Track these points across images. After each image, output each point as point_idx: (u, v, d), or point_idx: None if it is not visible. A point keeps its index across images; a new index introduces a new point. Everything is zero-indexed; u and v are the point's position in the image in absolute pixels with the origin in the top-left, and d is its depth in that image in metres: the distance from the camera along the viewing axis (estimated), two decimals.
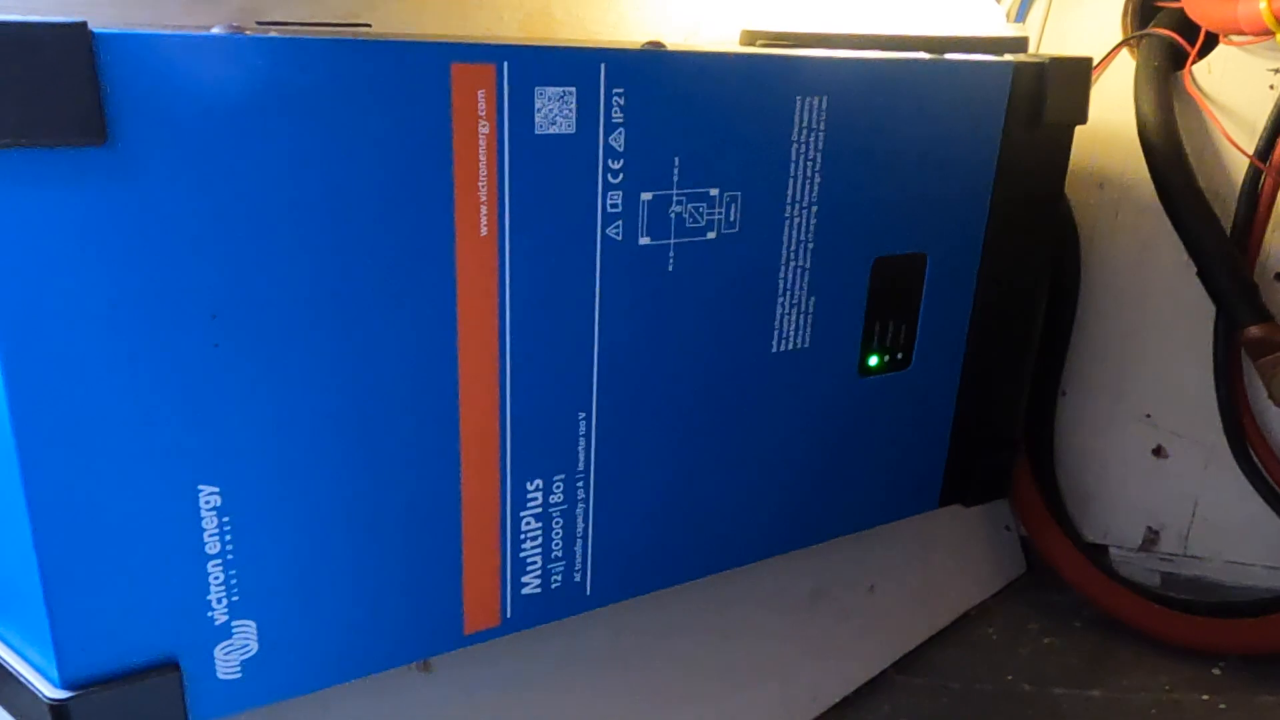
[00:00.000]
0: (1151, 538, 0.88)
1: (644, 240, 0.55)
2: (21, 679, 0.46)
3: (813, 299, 0.63)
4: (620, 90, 0.52)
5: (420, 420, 0.51)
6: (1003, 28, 0.85)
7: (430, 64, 0.47)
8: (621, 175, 0.54)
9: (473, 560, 0.55)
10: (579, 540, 0.59)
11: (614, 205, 0.54)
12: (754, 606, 0.75)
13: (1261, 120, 0.75)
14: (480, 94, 0.48)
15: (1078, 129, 0.73)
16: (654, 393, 0.59)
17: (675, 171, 0.55)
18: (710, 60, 0.56)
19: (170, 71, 0.41)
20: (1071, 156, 0.73)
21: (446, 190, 0.49)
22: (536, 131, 0.50)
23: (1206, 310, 0.79)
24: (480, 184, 0.49)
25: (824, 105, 0.59)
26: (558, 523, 0.58)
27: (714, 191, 0.57)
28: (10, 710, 0.48)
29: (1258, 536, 0.83)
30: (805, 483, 0.68)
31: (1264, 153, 0.75)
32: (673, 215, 0.56)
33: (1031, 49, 0.82)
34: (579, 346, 0.55)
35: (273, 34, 0.44)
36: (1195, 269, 0.77)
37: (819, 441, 0.67)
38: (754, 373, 0.62)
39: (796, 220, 0.61)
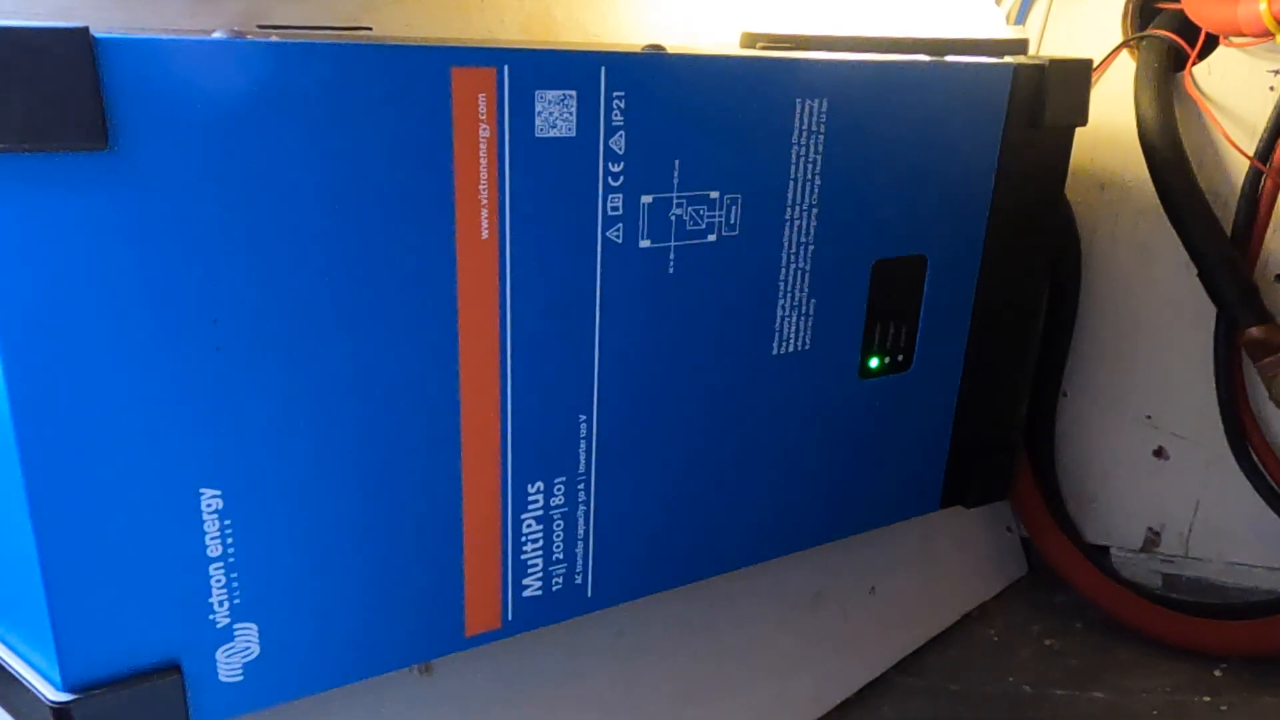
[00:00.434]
0: (1153, 539, 0.88)
1: (644, 243, 0.56)
2: (23, 681, 0.46)
3: (813, 301, 0.63)
4: (621, 93, 0.52)
5: (421, 423, 0.51)
6: (1002, 30, 0.85)
7: (430, 67, 0.47)
8: (622, 178, 0.54)
9: (474, 562, 0.55)
10: (580, 542, 0.59)
11: (614, 208, 0.54)
12: (755, 608, 0.75)
13: (1262, 122, 0.75)
14: (481, 97, 0.48)
15: (1078, 131, 0.73)
16: (655, 395, 0.59)
17: (676, 174, 0.55)
18: (710, 63, 0.56)
19: (172, 76, 0.41)
20: (1072, 158, 0.73)
21: (447, 193, 0.49)
22: (537, 134, 0.50)
23: (1207, 312, 0.79)
24: (481, 187, 0.50)
25: (824, 108, 0.59)
26: (559, 525, 0.58)
27: (714, 194, 0.57)
28: (12, 712, 0.48)
29: (1259, 538, 0.83)
30: (806, 485, 0.68)
31: (1264, 154, 0.75)
32: (673, 218, 0.56)
33: (1031, 51, 0.83)
34: (580, 349, 0.55)
35: (274, 38, 0.45)
36: (1195, 271, 0.77)
37: (820, 444, 0.67)
38: (754, 375, 0.63)
39: (797, 223, 0.61)
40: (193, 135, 0.42)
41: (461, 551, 0.55)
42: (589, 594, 0.61)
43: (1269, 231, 0.76)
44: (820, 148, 0.60)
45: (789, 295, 0.62)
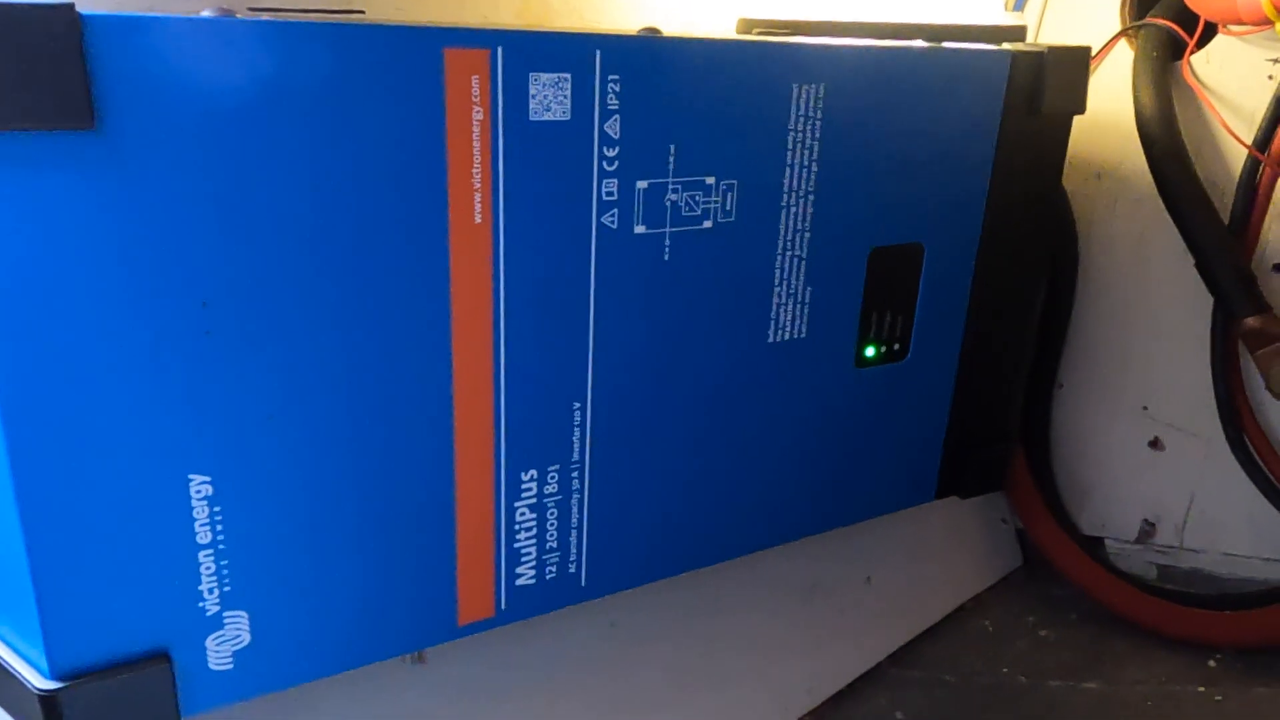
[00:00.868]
0: (1148, 530, 0.88)
1: (639, 229, 0.55)
2: (11, 670, 0.46)
3: (809, 289, 0.63)
4: (616, 77, 0.52)
5: (413, 409, 0.51)
6: (1001, 16, 0.85)
7: (423, 49, 0.46)
8: (617, 163, 0.53)
9: (467, 551, 0.55)
10: (573, 531, 0.59)
11: (609, 193, 0.53)
12: (749, 598, 0.75)
13: (1260, 111, 0.75)
14: (474, 79, 0.48)
15: (1076, 119, 0.72)
16: (649, 383, 0.58)
17: (671, 159, 0.55)
18: (707, 47, 0.55)
19: (160, 54, 0.41)
20: (1069, 147, 0.73)
21: (440, 177, 0.48)
22: (531, 118, 0.50)
23: (1204, 301, 0.79)
24: (474, 171, 0.49)
25: (821, 93, 0.59)
26: (552, 513, 0.57)
27: (710, 180, 0.57)
28: (0, 701, 0.47)
29: (1254, 529, 0.83)
30: (801, 474, 0.67)
31: (1262, 143, 0.75)
32: (668, 204, 0.56)
33: (1030, 38, 0.82)
34: (574, 336, 0.55)
35: (264, 18, 0.44)
36: (1193, 260, 0.77)
37: (815, 432, 0.67)
38: (750, 363, 0.62)
39: (793, 209, 0.60)
40: (181, 115, 0.42)
41: (454, 539, 0.54)
42: (583, 583, 0.60)
43: (1267, 221, 0.76)
44: (817, 134, 0.60)
45: (785, 283, 0.62)
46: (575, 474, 0.58)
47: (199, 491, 0.46)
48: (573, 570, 0.59)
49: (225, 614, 0.48)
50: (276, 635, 0.50)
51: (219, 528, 0.47)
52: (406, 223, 0.48)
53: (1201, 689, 0.79)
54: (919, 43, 0.64)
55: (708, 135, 0.56)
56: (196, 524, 0.46)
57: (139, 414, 0.44)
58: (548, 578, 0.59)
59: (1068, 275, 0.85)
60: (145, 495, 0.45)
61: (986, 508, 0.92)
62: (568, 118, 0.51)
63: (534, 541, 0.57)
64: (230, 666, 0.49)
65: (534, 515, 0.57)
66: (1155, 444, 0.86)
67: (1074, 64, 0.70)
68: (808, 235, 0.62)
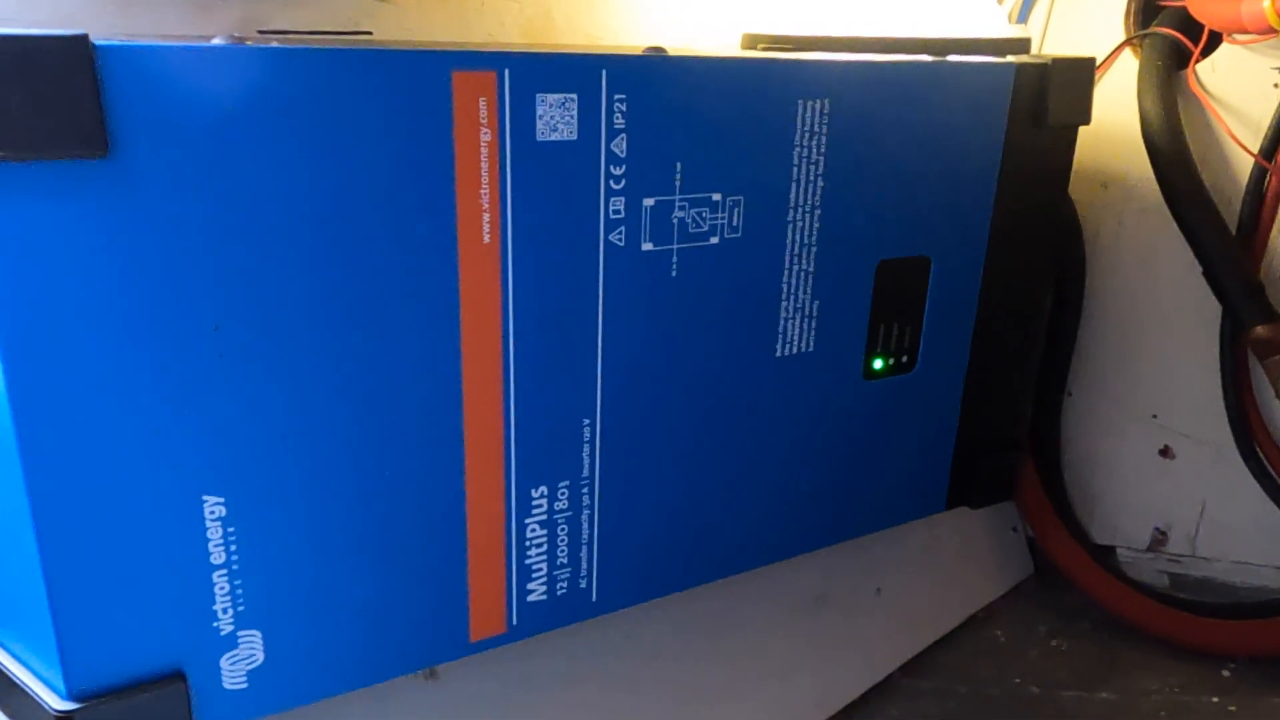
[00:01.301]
0: (1159, 538, 0.88)
1: (647, 246, 0.55)
2: (27, 690, 0.46)
3: (817, 303, 0.63)
4: (622, 96, 0.52)
5: (424, 428, 0.51)
6: (1005, 29, 0.85)
7: (431, 72, 0.47)
8: (624, 181, 0.53)
9: (478, 568, 0.55)
10: (584, 547, 0.59)
11: (616, 211, 0.54)
12: (760, 610, 0.75)
13: (1266, 119, 0.75)
14: (481, 101, 0.48)
15: (1081, 130, 0.72)
16: (658, 398, 0.59)
17: (678, 177, 0.55)
18: (712, 65, 0.56)
19: (172, 82, 0.41)
20: (1075, 157, 0.73)
21: (448, 198, 0.49)
22: (538, 138, 0.50)
23: (1212, 310, 0.79)
24: (482, 191, 0.49)
25: (826, 109, 0.59)
26: (563, 529, 0.58)
27: (717, 196, 0.57)
28: None
29: (1266, 537, 0.83)
30: (811, 486, 0.68)
31: (1269, 151, 0.75)
32: (675, 220, 0.56)
33: (1034, 50, 0.82)
34: (583, 353, 0.55)
35: (274, 44, 0.45)
36: (1201, 269, 0.77)
37: (824, 445, 0.67)
38: (758, 377, 0.62)
39: (800, 224, 0.61)
40: (193, 142, 0.42)
41: (465, 556, 0.54)
42: (594, 598, 0.60)
43: (1274, 229, 0.76)
44: (822, 149, 0.60)
45: (792, 297, 0.62)
46: (585, 490, 0.58)
47: (213, 512, 0.47)
48: (584, 585, 0.60)
49: (239, 633, 0.49)
50: (290, 654, 0.50)
51: (233, 548, 0.47)
52: (416, 244, 0.48)
53: (1215, 699, 0.78)
54: (923, 57, 0.64)
55: (714, 152, 0.56)
56: (210, 544, 0.47)
57: (153, 437, 0.44)
58: (559, 593, 0.59)
59: (1075, 285, 0.85)
60: (160, 517, 0.45)
61: (997, 517, 0.92)
62: (574, 137, 0.51)
63: (545, 557, 0.58)
64: (244, 685, 0.49)
65: (544, 531, 0.57)
66: (1166, 452, 0.86)
67: (1079, 75, 0.70)
68: (814, 249, 0.62)
